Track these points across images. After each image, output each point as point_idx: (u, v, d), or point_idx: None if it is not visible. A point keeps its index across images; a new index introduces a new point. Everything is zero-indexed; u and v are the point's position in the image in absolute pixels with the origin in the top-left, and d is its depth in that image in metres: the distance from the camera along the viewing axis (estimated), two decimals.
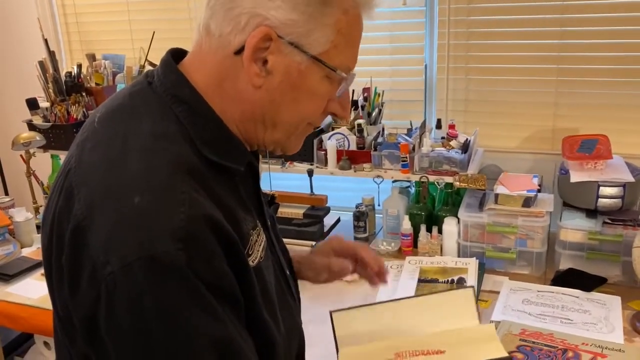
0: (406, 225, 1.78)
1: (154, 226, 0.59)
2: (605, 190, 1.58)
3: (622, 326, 1.33)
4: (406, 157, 1.75)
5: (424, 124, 1.87)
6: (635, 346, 1.27)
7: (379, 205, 1.92)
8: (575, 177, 1.60)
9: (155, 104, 0.69)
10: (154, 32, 2.13)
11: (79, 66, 2.20)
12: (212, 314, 0.61)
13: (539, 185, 1.70)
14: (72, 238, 0.62)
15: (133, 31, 2.36)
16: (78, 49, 2.48)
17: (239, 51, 0.67)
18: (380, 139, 1.87)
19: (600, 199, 1.58)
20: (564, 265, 1.59)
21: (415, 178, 1.77)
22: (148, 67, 2.11)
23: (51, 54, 2.16)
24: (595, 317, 1.37)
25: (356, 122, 1.86)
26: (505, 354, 0.89)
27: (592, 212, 1.62)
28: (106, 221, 0.60)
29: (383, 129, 1.93)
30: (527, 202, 1.60)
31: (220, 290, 0.62)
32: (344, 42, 0.69)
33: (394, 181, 1.90)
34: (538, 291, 1.49)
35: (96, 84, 2.23)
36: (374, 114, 1.92)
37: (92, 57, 2.28)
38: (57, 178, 0.71)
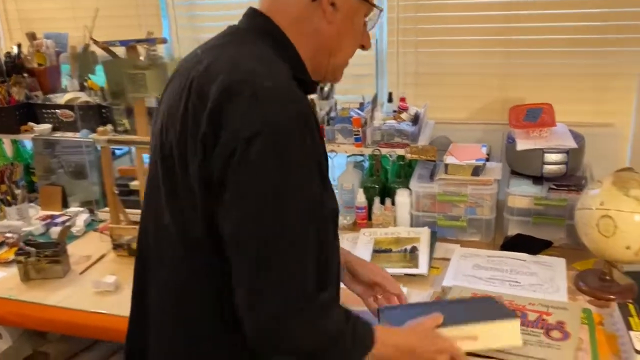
0: (361, 198, 1.80)
1: (284, 103, 0.77)
2: (549, 157, 1.63)
3: (567, 286, 1.39)
4: (359, 131, 1.76)
5: (375, 98, 1.89)
6: (577, 304, 1.32)
7: (334, 180, 1.93)
8: (521, 145, 1.65)
9: (251, 38, 0.87)
10: (97, 9, 2.06)
11: (19, 46, 2.11)
12: (315, 180, 0.81)
13: (488, 155, 1.74)
14: (210, 118, 0.77)
15: (75, 9, 2.27)
16: (17, 27, 2.38)
17: None
18: (332, 114, 1.87)
19: (545, 166, 1.63)
20: (512, 231, 1.65)
21: (368, 151, 1.79)
22: (93, 46, 2.03)
23: None
24: (542, 279, 1.42)
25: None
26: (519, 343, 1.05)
27: (538, 179, 1.67)
28: (242, 99, 0.76)
29: (335, 104, 1.93)
30: (476, 171, 1.64)
31: (321, 163, 0.84)
32: None
33: (349, 156, 1.91)
34: (487, 256, 1.54)
35: (39, 64, 2.15)
36: (325, 88, 1.92)
37: (32, 36, 2.19)
38: (175, 91, 0.86)
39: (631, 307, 1.22)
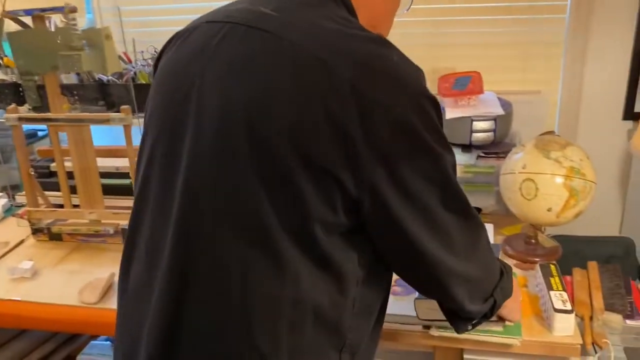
0: None
1: (417, 76, 0.72)
2: (478, 125, 1.63)
3: None
4: None
5: None
6: None
7: None
8: (450, 113, 1.65)
9: (327, 4, 0.77)
10: None
11: None
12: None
13: None
14: (351, 95, 0.67)
15: None
16: None
17: None
18: None
19: (474, 134, 1.64)
20: None
21: None
22: (5, 19, 1.90)
23: None
24: None
25: None
26: None
27: (467, 147, 1.67)
28: (380, 75, 0.69)
29: None
30: None
31: None
32: None
33: None
34: None
35: None
36: None
37: None
38: (257, 59, 0.71)
39: (553, 267, 1.24)
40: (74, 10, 1.37)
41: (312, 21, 0.73)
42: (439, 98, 1.73)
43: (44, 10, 1.37)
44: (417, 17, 1.88)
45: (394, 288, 1.25)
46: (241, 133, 0.70)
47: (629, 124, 1.90)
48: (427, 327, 1.11)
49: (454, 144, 1.69)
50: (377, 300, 0.86)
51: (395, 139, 0.69)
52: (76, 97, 1.86)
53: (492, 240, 1.44)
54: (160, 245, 0.78)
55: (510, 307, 1.05)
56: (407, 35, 1.91)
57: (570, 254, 1.46)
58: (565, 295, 1.14)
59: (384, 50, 0.71)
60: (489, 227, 1.50)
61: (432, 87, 1.82)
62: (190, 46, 0.79)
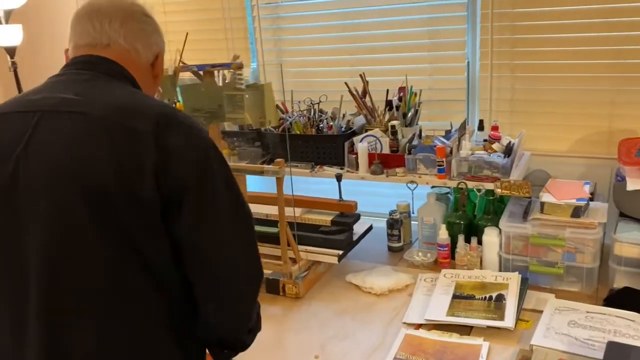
0: (443, 234, 1.66)
1: (202, 128, 0.95)
2: None
3: None
4: (442, 162, 1.63)
5: (463, 125, 1.74)
6: None
7: (414, 212, 1.81)
8: (632, 184, 1.44)
9: (114, 82, 0.97)
10: (187, 33, 2.09)
11: None
12: None
13: (592, 194, 1.54)
14: (157, 148, 0.85)
15: (168, 33, 2.33)
16: None
17: (151, 63, 1.06)
18: (415, 142, 1.75)
19: None
20: (618, 283, 1.43)
21: (452, 184, 1.64)
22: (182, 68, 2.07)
23: None
24: None
25: (390, 124, 1.75)
26: None
27: None
28: (177, 128, 0.88)
29: (420, 131, 1.81)
30: (577, 211, 1.45)
31: None
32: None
33: (433, 187, 1.78)
34: (587, 312, 1.33)
35: None
36: (409, 114, 1.81)
37: None
38: (70, 136, 0.86)
39: None
40: (240, 66, 1.44)
41: (109, 97, 0.91)
42: (619, 165, 1.53)
43: (213, 66, 1.45)
44: (595, 73, 1.70)
45: None
46: (74, 191, 0.85)
47: None
48: None
49: (636, 219, 1.47)
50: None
51: (193, 172, 0.87)
52: (236, 143, 1.94)
53: None
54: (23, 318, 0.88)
55: None
56: (582, 92, 1.73)
57: None
58: None
59: (170, 110, 0.92)
60: None
61: (610, 151, 1.64)
62: (5, 135, 0.89)
